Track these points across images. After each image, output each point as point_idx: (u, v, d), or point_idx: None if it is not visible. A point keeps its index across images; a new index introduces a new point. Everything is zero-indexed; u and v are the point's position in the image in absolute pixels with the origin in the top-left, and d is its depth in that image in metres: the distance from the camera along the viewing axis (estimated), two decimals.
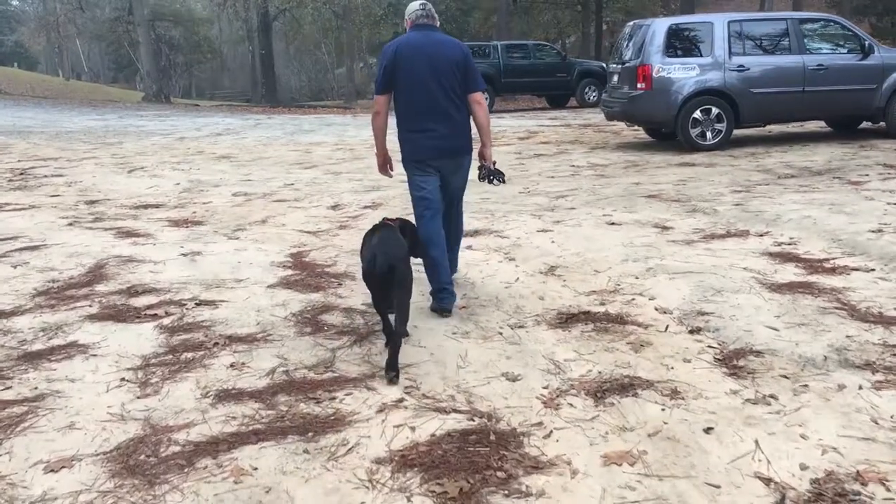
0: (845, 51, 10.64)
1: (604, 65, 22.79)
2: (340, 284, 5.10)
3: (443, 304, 4.43)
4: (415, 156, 4.51)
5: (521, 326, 4.18)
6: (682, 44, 10.65)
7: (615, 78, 11.33)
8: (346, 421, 3.14)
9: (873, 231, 5.64)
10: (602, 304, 4.47)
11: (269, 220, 7.37)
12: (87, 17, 41.66)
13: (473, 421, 3.10)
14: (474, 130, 4.55)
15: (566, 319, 4.24)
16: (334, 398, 3.36)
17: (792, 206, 6.66)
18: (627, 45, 11.36)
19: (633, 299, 4.50)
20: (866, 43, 10.46)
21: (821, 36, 10.85)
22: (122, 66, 58.84)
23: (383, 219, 4.35)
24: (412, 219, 4.55)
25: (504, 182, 4.90)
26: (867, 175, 8.00)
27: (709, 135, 10.57)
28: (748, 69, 10.43)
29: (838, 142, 10.77)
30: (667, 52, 10.50)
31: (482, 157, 4.64)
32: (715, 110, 10.48)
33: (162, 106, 30.15)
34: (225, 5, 34.72)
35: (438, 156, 4.47)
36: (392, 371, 3.57)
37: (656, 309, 4.32)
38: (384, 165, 4.76)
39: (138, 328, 4.33)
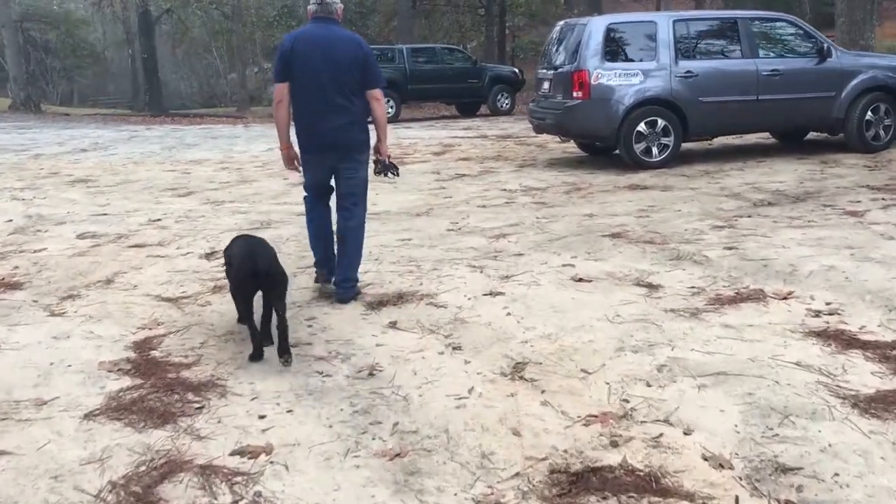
0: (801, 54, 9.48)
1: (516, 70, 21.54)
2: (202, 408, 3.31)
3: (338, 295, 4.69)
4: (306, 148, 4.68)
5: None
6: (622, 46, 9.25)
7: (545, 85, 9.84)
8: None
9: None
10: (614, 444, 2.85)
11: (117, 278, 5.46)
12: None
13: None
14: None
15: (569, 486, 2.60)
16: None
17: (799, 249, 5.25)
18: (558, 48, 9.90)
19: (661, 435, 2.90)
20: (824, 45, 9.32)
21: (774, 37, 9.67)
22: None
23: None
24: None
25: (398, 175, 4.99)
26: (859, 202, 6.73)
27: (655, 150, 9.21)
28: (696, 75, 9.12)
29: (794, 156, 9.60)
30: (606, 56, 9.07)
31: (378, 151, 4.73)
32: (661, 122, 9.13)
33: (29, 115, 27.08)
34: (101, 5, 31.77)
35: (328, 149, 4.60)
36: (286, 353, 3.74)
37: (705, 458, 2.73)
38: (290, 159, 4.81)
39: None
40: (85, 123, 22.44)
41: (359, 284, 4.78)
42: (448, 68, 20.11)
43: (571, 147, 11.54)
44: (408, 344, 3.96)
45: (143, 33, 32.43)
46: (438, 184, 9.01)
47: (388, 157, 4.78)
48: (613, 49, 9.16)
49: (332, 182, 4.86)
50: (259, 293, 3.91)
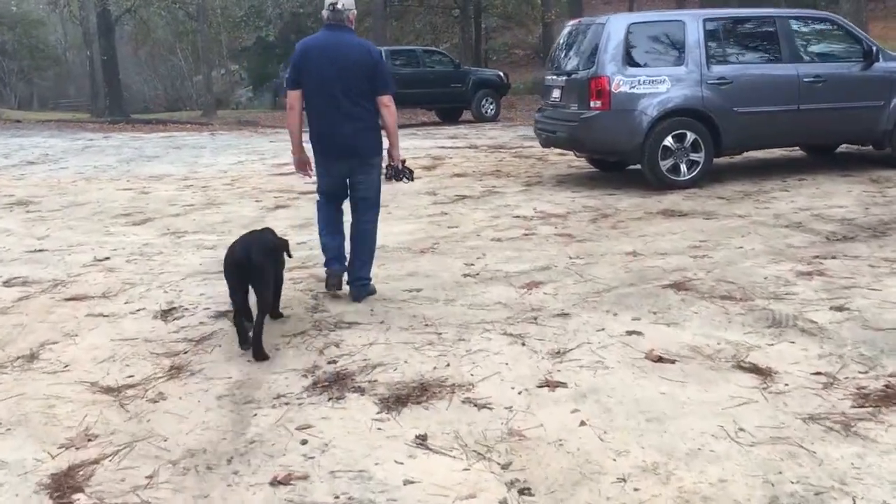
0: (845, 58, 8.40)
1: (501, 74, 20.41)
2: None
3: (353, 294, 4.81)
4: (320, 153, 4.74)
5: None
6: (646, 49, 8.08)
7: (555, 93, 8.65)
8: None
9: None
10: None
11: (43, 352, 4.17)
12: None
13: None
14: None
15: None
16: None
17: None
18: (570, 52, 8.72)
19: None
20: (873, 48, 8.24)
21: (815, 39, 8.58)
22: None
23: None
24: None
25: (412, 180, 5.07)
26: None
27: (683, 168, 8.06)
28: (730, 82, 7.99)
29: (835, 173, 8.52)
30: (627, 61, 7.91)
31: (390, 156, 4.78)
32: (690, 136, 7.98)
33: None
34: (57, 4, 30.06)
35: (341, 155, 4.67)
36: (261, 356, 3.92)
37: None
38: (302, 165, 4.90)
39: None
40: (37, 131, 20.81)
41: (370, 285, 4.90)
42: (429, 72, 18.86)
43: (577, 161, 10.38)
44: (449, 479, 2.74)
45: (102, 34, 30.71)
46: (438, 208, 7.77)
47: (402, 162, 4.85)
48: (636, 52, 7.99)
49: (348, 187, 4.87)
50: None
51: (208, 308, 4.84)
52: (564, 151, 9.94)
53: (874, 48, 8.21)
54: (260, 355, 3.92)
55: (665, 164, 8.01)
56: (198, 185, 10.10)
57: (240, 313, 4.11)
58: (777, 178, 8.46)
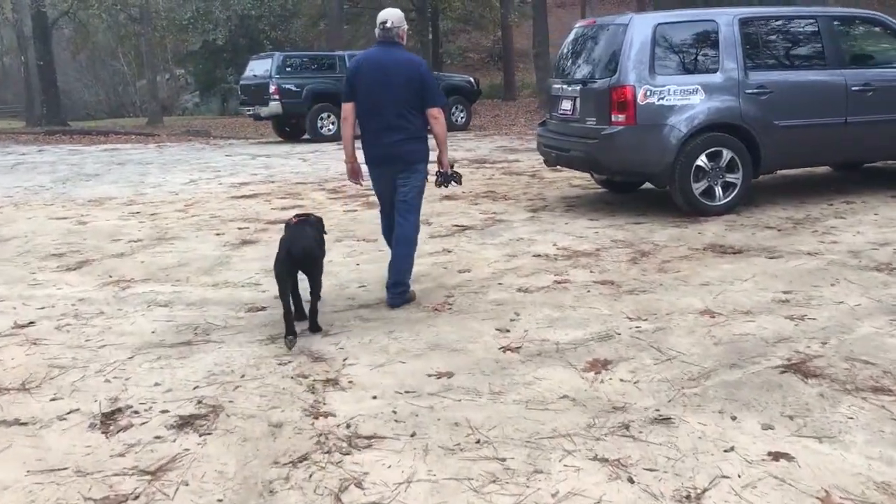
0: (893, 63, 7.39)
1: (471, 79, 19.24)
2: None
3: (388, 300, 4.88)
4: (370, 161, 5.00)
5: None
6: (675, 53, 6.97)
7: (565, 105, 7.48)
8: None
9: None
10: None
11: None
12: None
13: None
14: None
15: None
16: None
17: None
18: (581, 57, 7.58)
19: None
20: None
21: (860, 41, 7.57)
22: None
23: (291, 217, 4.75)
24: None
25: (460, 184, 5.23)
26: None
27: (718, 191, 6.97)
28: (771, 91, 6.92)
29: (883, 192, 7.53)
30: (655, 67, 6.78)
31: (439, 163, 5.00)
32: (727, 154, 6.90)
33: None
34: None
35: (387, 162, 4.91)
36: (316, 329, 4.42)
37: None
38: (354, 173, 5.11)
39: None
40: None
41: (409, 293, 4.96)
42: None
43: (578, 179, 9.26)
44: None
45: (38, 38, 28.75)
46: (438, 244, 6.53)
47: (451, 166, 5.05)
48: (664, 57, 6.87)
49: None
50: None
51: (166, 410, 3.53)
52: (559, 168, 8.77)
53: None
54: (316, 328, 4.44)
55: (698, 187, 6.90)
56: (145, 213, 8.69)
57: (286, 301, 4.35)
58: (819, 199, 7.44)
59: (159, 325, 4.72)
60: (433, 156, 4.99)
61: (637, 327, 4.28)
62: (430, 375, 3.77)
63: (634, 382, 3.58)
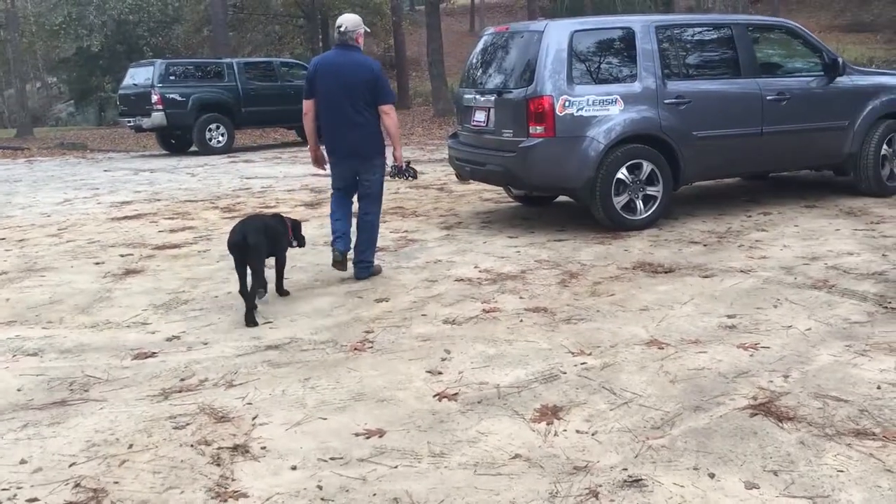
0: (806, 71, 7.35)
1: None
2: None
3: (355, 273, 5.61)
4: (332, 153, 5.58)
5: None
6: (593, 62, 6.67)
7: (479, 116, 7.06)
8: None
9: None
10: None
11: None
12: None
13: None
14: None
15: None
16: None
17: None
18: (493, 65, 7.18)
19: None
20: (837, 60, 7.22)
21: (773, 49, 7.50)
22: None
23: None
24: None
25: (415, 178, 6.65)
26: None
27: (639, 205, 6.71)
28: (689, 101, 6.72)
29: (797, 203, 7.48)
30: (573, 77, 6.45)
31: (393, 157, 5.68)
32: (647, 166, 6.65)
33: None
34: None
35: (349, 156, 5.52)
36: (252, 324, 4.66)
37: None
38: (317, 160, 5.81)
39: None
40: None
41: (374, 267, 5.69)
42: (289, 87, 16.80)
43: (488, 192, 8.89)
44: None
45: None
46: (350, 269, 5.96)
47: (408, 162, 5.96)
48: (581, 66, 6.56)
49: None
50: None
51: (35, 499, 2.85)
52: (468, 181, 8.35)
53: (838, 60, 7.19)
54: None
55: (619, 201, 6.62)
56: (11, 239, 7.74)
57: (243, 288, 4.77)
58: (736, 210, 7.31)
59: (27, 381, 3.99)
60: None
61: (583, 363, 3.87)
62: (357, 435, 3.23)
63: (592, 434, 3.15)
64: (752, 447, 2.97)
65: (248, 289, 4.73)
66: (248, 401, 3.63)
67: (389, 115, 5.39)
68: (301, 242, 5.45)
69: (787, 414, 3.20)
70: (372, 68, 5.32)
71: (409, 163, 5.44)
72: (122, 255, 6.77)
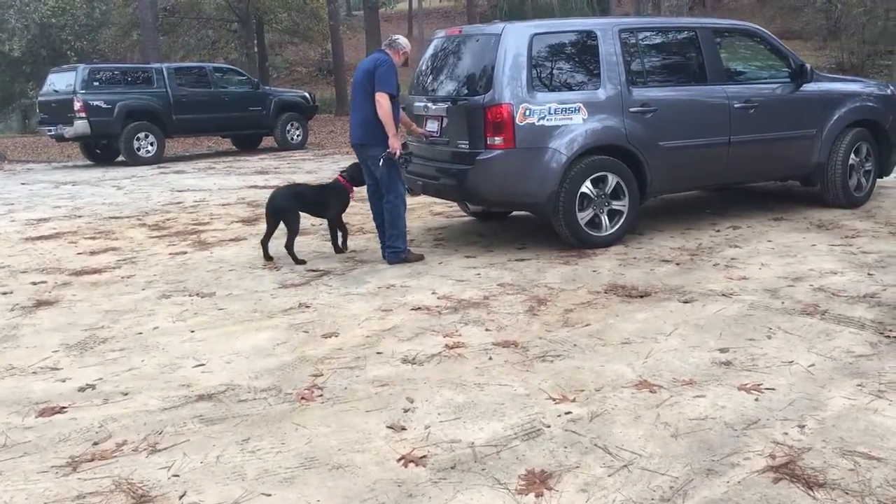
0: (773, 78, 7.01)
1: (307, 94, 17.98)
2: None
3: (386, 258, 6.04)
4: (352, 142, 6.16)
5: None
6: (554, 67, 6.20)
7: (431, 126, 6.52)
8: None
9: None
10: None
11: None
12: None
13: None
14: None
15: None
16: None
17: None
18: (445, 71, 6.66)
19: None
20: (805, 67, 6.91)
21: (739, 55, 7.15)
22: None
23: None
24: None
25: (410, 161, 6.00)
26: None
27: (604, 220, 6.27)
28: (655, 110, 6.31)
29: (763, 216, 7.15)
30: (534, 83, 5.97)
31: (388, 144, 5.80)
32: (612, 179, 6.21)
33: None
34: None
35: (354, 145, 6.06)
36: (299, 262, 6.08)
37: None
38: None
39: None
40: None
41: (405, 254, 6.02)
42: (223, 93, 16.03)
43: (440, 206, 8.38)
44: None
45: None
46: (293, 296, 5.36)
47: (398, 150, 5.76)
48: (542, 72, 6.09)
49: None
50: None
51: None
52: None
53: (806, 66, 6.88)
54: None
55: (583, 217, 6.17)
56: None
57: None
58: (703, 224, 6.94)
59: None
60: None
61: (567, 413, 3.36)
62: None
63: None
64: None
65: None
66: (175, 471, 3.02)
67: (380, 104, 5.61)
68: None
69: (815, 479, 2.74)
70: (376, 59, 5.73)
71: (407, 151, 5.66)
72: (33, 283, 6.02)
